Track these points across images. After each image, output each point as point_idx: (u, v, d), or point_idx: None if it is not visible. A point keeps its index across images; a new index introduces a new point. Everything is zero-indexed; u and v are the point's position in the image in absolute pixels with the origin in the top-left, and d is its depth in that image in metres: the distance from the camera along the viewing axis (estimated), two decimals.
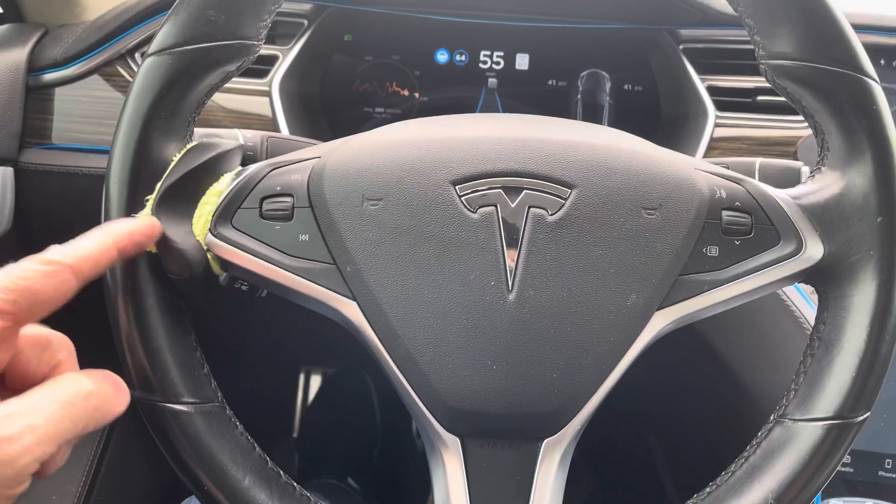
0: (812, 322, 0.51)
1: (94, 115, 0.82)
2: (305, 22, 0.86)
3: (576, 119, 0.90)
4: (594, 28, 0.89)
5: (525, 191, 0.46)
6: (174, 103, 0.47)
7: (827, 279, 0.49)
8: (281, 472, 0.48)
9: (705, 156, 0.83)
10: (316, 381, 1.56)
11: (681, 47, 0.86)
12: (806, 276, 0.49)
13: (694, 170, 0.49)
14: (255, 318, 1.11)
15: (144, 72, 0.47)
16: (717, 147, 0.83)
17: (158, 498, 1.09)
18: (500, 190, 0.46)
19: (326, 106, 0.91)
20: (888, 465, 0.79)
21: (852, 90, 0.47)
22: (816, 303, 0.50)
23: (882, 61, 0.84)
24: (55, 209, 0.83)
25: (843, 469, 0.80)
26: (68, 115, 0.82)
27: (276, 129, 0.83)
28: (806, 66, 0.47)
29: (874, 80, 0.47)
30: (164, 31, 0.47)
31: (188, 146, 0.48)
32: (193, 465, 0.46)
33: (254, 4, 0.48)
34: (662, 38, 0.87)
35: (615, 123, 0.90)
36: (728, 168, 0.63)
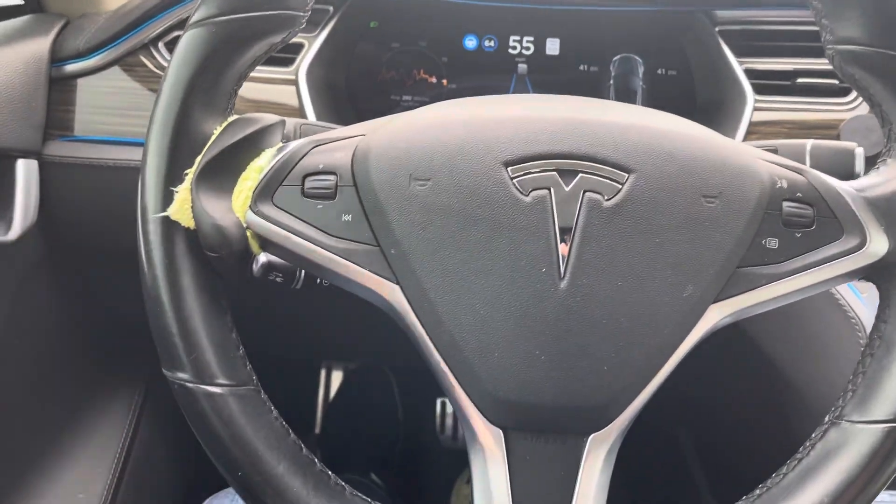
0: (861, 317, 0.49)
1: (118, 106, 0.81)
2: (331, 9, 0.84)
3: None
4: (626, 11, 0.87)
5: (580, 174, 0.44)
6: (216, 75, 0.46)
7: (890, 276, 0.47)
8: (315, 460, 0.47)
9: (745, 138, 0.81)
10: (338, 377, 1.55)
11: (717, 29, 0.83)
12: (869, 272, 0.47)
13: (755, 158, 0.47)
14: (277, 313, 1.10)
15: (186, 42, 0.46)
16: (756, 132, 0.81)
17: (183, 495, 1.08)
18: (555, 173, 0.44)
19: (352, 94, 0.89)
20: None
21: None
22: (866, 298, 0.48)
23: None
24: (79, 201, 0.82)
25: None
26: (91, 106, 0.82)
27: (303, 117, 0.81)
28: (875, 52, 0.46)
29: None
30: (208, 1, 0.45)
31: (229, 120, 0.47)
32: (228, 449, 0.45)
33: None
34: (698, 19, 0.84)
35: (650, 108, 0.88)
36: (777, 150, 0.61)
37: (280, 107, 0.82)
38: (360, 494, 0.47)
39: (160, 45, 0.82)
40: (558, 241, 0.43)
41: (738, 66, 0.82)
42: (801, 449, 0.47)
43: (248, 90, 0.81)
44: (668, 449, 1.26)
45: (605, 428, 0.44)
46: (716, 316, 0.45)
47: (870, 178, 0.48)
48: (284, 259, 0.47)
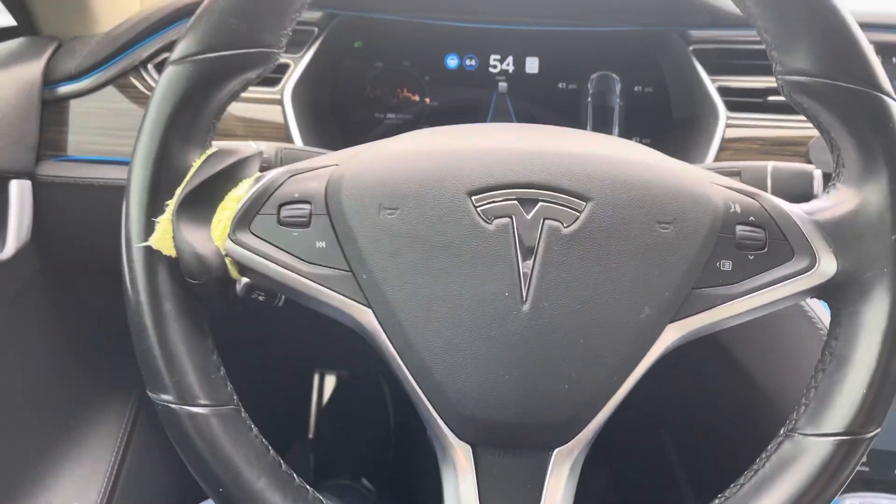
0: (827, 326, 0.51)
1: (110, 127, 0.83)
2: (316, 30, 0.86)
3: (587, 122, 0.90)
4: (603, 31, 0.89)
5: (540, 203, 0.46)
6: (195, 111, 0.48)
7: (840, 295, 0.49)
8: (294, 476, 0.49)
9: (717, 157, 0.83)
10: (330, 383, 1.57)
11: (691, 48, 0.86)
12: (819, 291, 0.49)
13: (709, 184, 0.49)
14: (271, 322, 1.12)
15: (166, 79, 0.48)
16: (729, 148, 0.83)
17: (177, 502, 1.10)
18: (516, 201, 0.46)
19: (338, 113, 0.92)
20: None
21: (869, 108, 0.47)
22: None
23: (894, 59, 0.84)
24: (73, 220, 0.84)
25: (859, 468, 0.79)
26: (84, 127, 0.83)
27: (289, 137, 0.83)
28: (822, 83, 0.47)
29: (891, 97, 0.47)
30: (187, 40, 0.47)
31: (208, 152, 0.49)
32: (209, 467, 0.46)
33: (275, 13, 0.49)
34: (673, 39, 0.87)
35: (626, 126, 0.90)
36: (740, 172, 0.63)
37: (266, 125, 0.84)
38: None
39: (150, 66, 0.84)
40: (520, 267, 0.45)
41: (710, 84, 0.84)
42: (757, 460, 0.49)
43: (235, 108, 0.83)
44: (653, 453, 1.28)
45: (569, 443, 0.46)
46: (672, 335, 0.47)
47: (820, 202, 0.50)
48: (262, 284, 0.49)
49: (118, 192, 0.48)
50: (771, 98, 0.84)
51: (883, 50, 0.84)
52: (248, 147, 0.50)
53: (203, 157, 0.48)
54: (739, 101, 0.84)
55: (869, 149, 0.48)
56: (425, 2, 0.88)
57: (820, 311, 0.74)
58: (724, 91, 0.84)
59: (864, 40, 0.47)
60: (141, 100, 0.83)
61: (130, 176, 0.47)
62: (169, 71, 0.47)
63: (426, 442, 1.44)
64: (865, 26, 0.81)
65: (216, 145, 0.57)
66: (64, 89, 0.83)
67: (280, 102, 0.84)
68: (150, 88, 0.83)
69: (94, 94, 0.83)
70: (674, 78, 0.89)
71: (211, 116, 0.49)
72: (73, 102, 0.83)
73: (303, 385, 1.53)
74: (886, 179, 0.47)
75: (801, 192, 0.61)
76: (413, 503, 1.34)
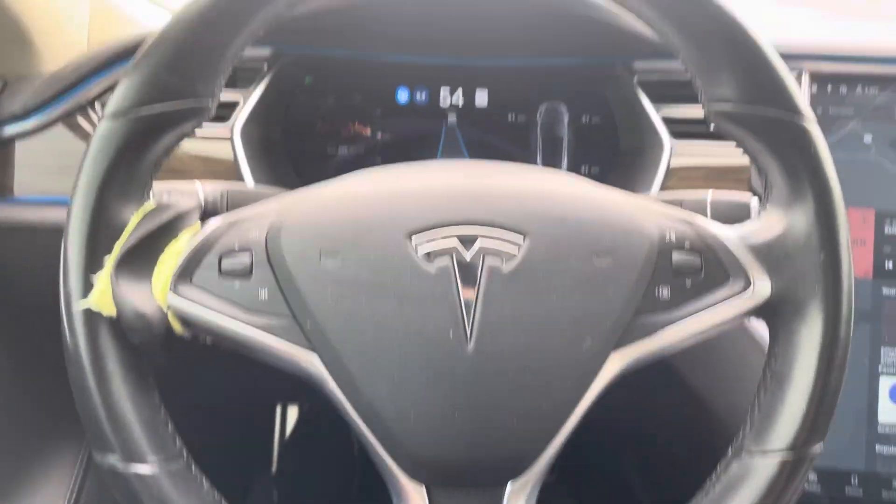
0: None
1: (56, 167, 0.82)
2: (265, 66, 0.87)
3: (536, 152, 0.92)
4: (550, 63, 0.91)
5: (480, 240, 0.47)
6: (130, 166, 0.48)
7: (776, 315, 0.50)
8: None
9: (663, 185, 0.84)
10: (292, 416, 1.55)
11: (636, 79, 0.87)
12: (756, 312, 0.50)
13: (644, 212, 0.50)
14: (227, 359, 1.11)
15: (99, 136, 0.47)
16: (675, 176, 0.84)
17: None
18: (455, 240, 0.47)
19: (289, 148, 0.92)
20: (854, 481, 0.80)
21: (790, 132, 0.49)
22: None
23: (828, 87, 0.86)
24: (18, 264, 0.83)
25: (809, 489, 0.81)
26: (30, 167, 0.82)
27: (239, 174, 0.83)
28: (744, 110, 0.49)
29: (810, 119, 0.49)
30: (119, 94, 0.47)
31: (145, 207, 0.49)
32: None
33: (209, 64, 0.49)
34: (618, 70, 0.88)
35: (574, 156, 0.92)
36: (681, 202, 0.65)
37: (217, 162, 0.84)
38: None
39: (97, 105, 0.83)
40: (463, 307, 0.46)
41: (655, 113, 0.86)
42: (707, 482, 0.50)
43: (185, 145, 0.83)
44: (615, 476, 1.29)
45: (523, 476, 0.47)
46: (617, 364, 0.47)
47: (752, 225, 0.52)
48: (207, 336, 0.49)
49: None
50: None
51: (881, 81, 0.86)
52: (189, 192, 0.50)
53: (141, 213, 0.48)
54: (684, 130, 0.86)
55: (794, 171, 0.49)
56: (374, 37, 0.89)
57: (764, 331, 0.76)
58: (668, 121, 0.86)
59: (784, 67, 0.49)
60: (88, 139, 0.82)
61: (67, 234, 0.47)
62: (101, 127, 0.47)
63: None
64: (866, 59, 0.83)
65: (160, 187, 0.56)
66: (9, 130, 0.82)
67: (230, 139, 0.84)
68: None
69: (40, 133, 0.82)
70: (620, 108, 0.91)
71: (147, 171, 0.49)
72: (18, 143, 0.82)
73: (264, 420, 1.51)
74: (812, 200, 0.49)
75: (739, 220, 0.62)
76: None
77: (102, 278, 0.46)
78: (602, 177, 0.92)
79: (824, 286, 0.48)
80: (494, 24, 0.89)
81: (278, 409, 1.55)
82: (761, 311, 0.50)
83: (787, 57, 0.84)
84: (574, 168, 0.92)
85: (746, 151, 0.52)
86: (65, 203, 0.81)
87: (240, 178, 0.83)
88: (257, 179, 0.83)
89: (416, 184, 0.50)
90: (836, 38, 0.89)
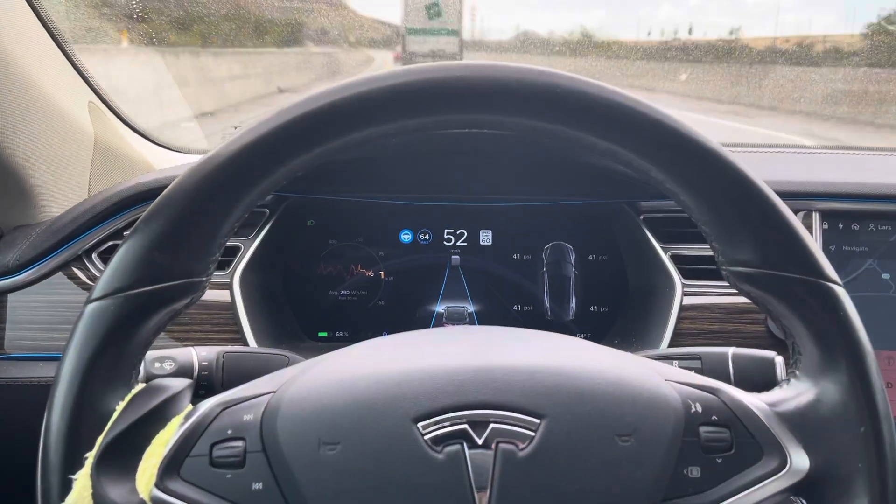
0: None
1: (49, 321, 0.80)
2: (267, 212, 0.86)
3: (543, 291, 0.89)
4: (555, 204, 0.90)
5: (492, 424, 0.43)
6: (118, 350, 0.45)
7: (818, 494, 0.46)
8: None
9: (676, 325, 0.81)
10: None
11: (641, 217, 0.87)
12: (795, 490, 0.46)
13: (665, 382, 0.47)
14: None
15: (86, 319, 0.44)
16: (688, 316, 0.82)
17: None
18: (466, 425, 0.43)
19: (291, 291, 0.90)
20: None
21: (818, 297, 0.46)
22: None
23: (840, 225, 0.85)
24: (6, 421, 0.79)
25: None
26: (21, 322, 0.80)
27: (237, 320, 0.80)
28: (766, 274, 0.47)
29: (837, 283, 0.47)
30: (108, 275, 0.45)
31: (133, 392, 0.45)
32: None
33: (202, 242, 0.46)
34: (623, 209, 0.88)
35: (583, 294, 0.90)
36: (700, 358, 0.62)
37: (215, 305, 0.81)
38: None
39: (94, 256, 0.82)
40: (476, 499, 0.42)
41: (663, 252, 0.84)
42: None
43: None
44: None
45: None
46: None
47: (781, 392, 0.48)
48: None
49: None
50: None
51: (893, 218, 0.85)
52: (183, 356, 0.47)
53: (127, 399, 0.45)
54: (694, 269, 0.84)
55: (823, 337, 0.46)
56: (378, 182, 0.89)
57: None
58: (677, 258, 0.84)
59: (802, 228, 0.47)
60: (84, 290, 0.80)
61: (46, 425, 0.43)
62: (89, 309, 0.44)
63: None
64: (875, 198, 0.82)
65: (151, 355, 0.53)
66: (1, 284, 0.80)
67: (229, 287, 0.82)
68: (94, 278, 0.80)
69: (33, 286, 0.80)
70: (627, 246, 0.89)
71: (136, 353, 0.46)
72: (11, 297, 0.80)
73: None
74: (846, 369, 0.46)
75: (764, 378, 0.59)
76: None
77: (82, 479, 0.42)
78: (612, 316, 0.89)
79: (868, 462, 0.45)
80: (498, 169, 0.89)
81: None
82: (801, 489, 0.46)
83: (796, 195, 0.86)
84: (583, 307, 0.89)
85: (770, 314, 0.49)
86: (54, 358, 0.79)
87: (237, 325, 0.80)
88: (254, 327, 0.80)
89: (421, 362, 0.47)
90: (843, 176, 0.88)
